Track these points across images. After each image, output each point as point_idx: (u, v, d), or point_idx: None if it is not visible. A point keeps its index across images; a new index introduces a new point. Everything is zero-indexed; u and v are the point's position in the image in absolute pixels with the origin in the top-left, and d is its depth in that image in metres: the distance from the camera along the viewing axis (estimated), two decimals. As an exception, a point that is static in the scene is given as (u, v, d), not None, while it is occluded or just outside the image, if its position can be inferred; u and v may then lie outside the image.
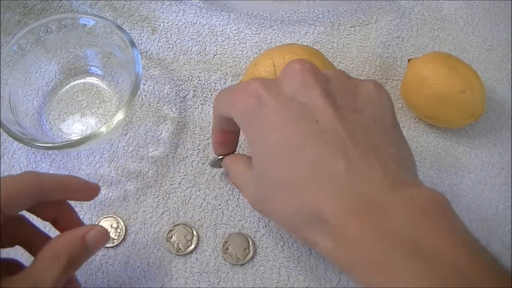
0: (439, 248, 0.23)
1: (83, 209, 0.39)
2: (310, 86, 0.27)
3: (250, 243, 0.38)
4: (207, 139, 0.41)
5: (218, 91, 0.36)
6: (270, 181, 0.28)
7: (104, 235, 0.30)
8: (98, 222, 0.38)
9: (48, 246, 0.27)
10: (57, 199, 0.30)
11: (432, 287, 0.22)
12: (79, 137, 0.37)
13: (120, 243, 0.38)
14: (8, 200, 0.26)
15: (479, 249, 0.24)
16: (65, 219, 0.31)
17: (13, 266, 0.30)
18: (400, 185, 0.25)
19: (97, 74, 0.44)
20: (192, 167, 0.40)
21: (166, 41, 0.45)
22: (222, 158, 0.36)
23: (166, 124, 0.42)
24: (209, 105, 0.43)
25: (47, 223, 0.31)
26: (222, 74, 0.44)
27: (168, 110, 0.43)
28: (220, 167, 0.37)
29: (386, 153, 0.27)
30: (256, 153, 0.29)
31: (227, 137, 0.35)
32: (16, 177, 0.28)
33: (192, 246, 0.38)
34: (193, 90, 0.43)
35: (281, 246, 0.38)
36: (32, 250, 0.31)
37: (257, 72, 0.36)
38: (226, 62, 0.45)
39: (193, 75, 0.44)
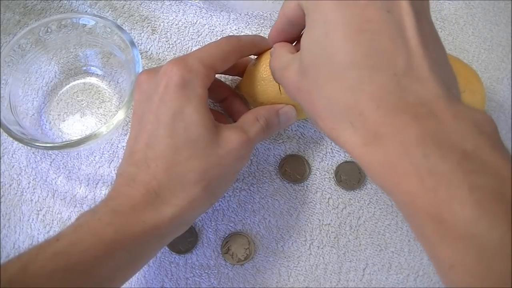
0: (491, 164, 0.21)
1: (82, 209, 0.39)
2: None
3: (250, 243, 0.38)
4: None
5: None
6: (318, 58, 0.26)
7: (293, 113, 0.35)
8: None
9: (252, 111, 0.35)
10: (251, 54, 0.36)
11: (483, 204, 0.20)
12: (79, 137, 0.37)
13: (120, 243, 0.38)
14: (223, 57, 0.33)
15: None
16: (231, 101, 0.39)
17: (221, 117, 0.39)
18: (454, 99, 0.24)
19: (97, 74, 0.44)
20: (192, 167, 0.40)
21: (166, 41, 0.45)
22: None
23: (166, 124, 0.42)
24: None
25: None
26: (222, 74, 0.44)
27: (168, 110, 0.43)
28: None
29: (447, 69, 0.26)
30: (311, 25, 0.27)
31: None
32: (222, 40, 0.34)
33: (193, 246, 0.38)
34: (193, 90, 0.43)
35: (281, 246, 0.38)
36: (228, 110, 0.40)
37: (256, 72, 0.36)
38: (226, 62, 0.45)
39: (193, 75, 0.44)
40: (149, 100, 0.32)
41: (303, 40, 0.27)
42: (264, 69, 0.36)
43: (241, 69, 0.39)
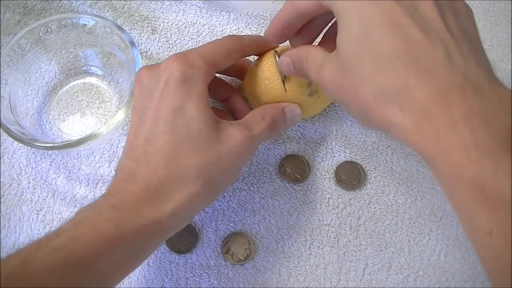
0: None
1: (83, 209, 0.39)
2: None
3: (250, 243, 0.38)
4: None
5: None
6: (360, 54, 0.27)
7: (298, 111, 0.36)
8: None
9: (257, 109, 0.35)
10: (253, 54, 0.37)
11: None
12: (79, 137, 0.37)
13: (120, 243, 0.38)
14: (225, 54, 0.33)
15: None
16: (233, 100, 0.39)
17: (226, 115, 0.39)
18: (495, 81, 0.26)
19: (97, 74, 0.44)
20: (192, 167, 0.40)
21: (166, 41, 0.45)
22: None
23: (166, 124, 0.42)
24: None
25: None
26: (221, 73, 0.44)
27: (168, 110, 0.43)
28: None
29: (481, 55, 0.28)
30: (348, 25, 0.28)
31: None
32: (224, 38, 0.34)
33: (193, 246, 0.38)
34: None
35: (281, 246, 0.38)
36: (231, 109, 0.39)
37: (258, 71, 0.36)
38: (226, 62, 0.45)
39: (193, 75, 0.44)
40: (149, 95, 0.32)
41: (340, 40, 0.28)
42: (267, 69, 0.36)
43: (239, 70, 0.39)
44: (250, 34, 0.46)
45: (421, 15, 0.27)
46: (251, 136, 0.32)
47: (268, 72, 0.36)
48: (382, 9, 0.27)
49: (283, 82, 0.35)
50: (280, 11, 0.34)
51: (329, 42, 0.34)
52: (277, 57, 0.35)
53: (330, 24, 0.35)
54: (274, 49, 0.36)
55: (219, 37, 0.45)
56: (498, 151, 0.23)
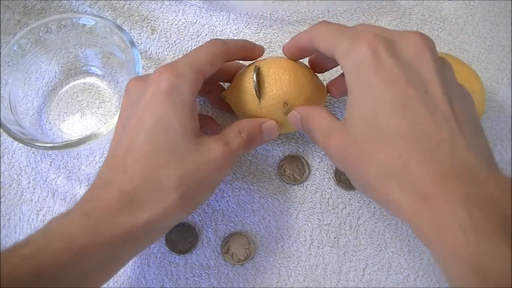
0: None
1: (83, 209, 0.39)
2: (426, 59, 0.29)
3: (250, 243, 0.38)
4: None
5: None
6: (368, 131, 0.28)
7: (275, 128, 0.36)
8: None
9: (235, 123, 0.35)
10: (238, 58, 0.37)
11: None
12: (79, 137, 0.37)
13: (120, 243, 0.38)
14: (211, 60, 0.33)
15: None
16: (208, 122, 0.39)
17: (210, 120, 0.40)
18: (494, 168, 0.27)
19: (97, 74, 0.44)
20: (192, 167, 0.40)
21: (166, 41, 0.45)
22: None
23: (166, 124, 0.42)
24: (208, 105, 0.43)
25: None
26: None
27: (168, 110, 0.43)
28: None
29: (481, 140, 0.29)
30: (359, 100, 0.29)
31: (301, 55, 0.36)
32: (207, 44, 0.34)
33: (193, 246, 0.38)
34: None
35: (281, 246, 0.38)
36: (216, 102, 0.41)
37: (240, 82, 0.36)
38: (226, 62, 0.45)
39: (193, 75, 0.44)
40: (135, 105, 0.32)
41: (350, 113, 0.30)
42: (247, 81, 0.36)
43: (231, 75, 0.38)
44: (249, 33, 0.46)
45: (430, 96, 0.28)
46: (229, 150, 0.32)
47: (246, 86, 0.36)
48: (393, 89, 0.28)
49: (259, 99, 0.35)
50: (301, 33, 0.34)
51: (338, 87, 0.37)
52: (254, 75, 0.35)
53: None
54: (255, 65, 0.36)
55: (219, 37, 0.46)
56: (495, 234, 0.23)
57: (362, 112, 0.29)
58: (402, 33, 0.30)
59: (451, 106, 0.28)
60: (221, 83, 0.41)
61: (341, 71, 0.35)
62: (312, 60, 0.38)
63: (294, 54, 0.36)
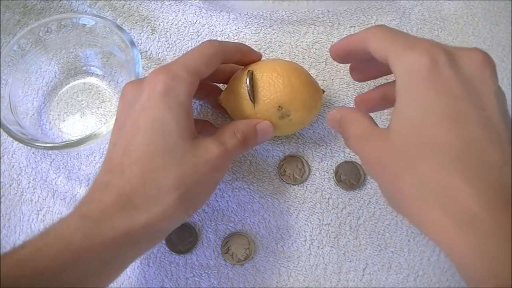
0: None
1: (83, 209, 0.39)
2: (487, 78, 0.28)
3: (250, 243, 0.38)
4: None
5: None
6: (414, 140, 0.27)
7: (270, 129, 0.36)
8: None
9: (229, 124, 0.34)
10: (234, 61, 0.37)
11: None
12: (79, 137, 0.37)
13: (120, 243, 0.38)
14: (207, 61, 0.33)
15: None
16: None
17: (208, 125, 0.40)
18: None
19: (97, 74, 0.44)
20: (192, 167, 0.40)
21: (166, 41, 0.45)
22: None
23: (166, 124, 0.42)
24: (207, 108, 0.43)
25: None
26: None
27: (168, 110, 0.43)
28: None
29: None
30: (407, 107, 0.28)
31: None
32: (203, 45, 0.34)
33: (193, 246, 0.38)
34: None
35: (281, 246, 0.38)
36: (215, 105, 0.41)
37: (234, 87, 0.36)
38: (226, 62, 0.45)
39: (193, 75, 0.44)
40: (131, 108, 0.31)
41: (395, 120, 0.28)
42: (241, 86, 0.36)
43: (227, 76, 0.38)
44: (249, 33, 0.46)
45: (487, 116, 0.26)
46: (225, 150, 0.32)
47: (240, 91, 0.36)
48: (448, 100, 0.26)
49: (253, 103, 0.35)
50: (354, 34, 0.33)
51: (380, 96, 0.35)
52: (248, 80, 0.35)
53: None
54: (248, 70, 0.36)
55: (218, 37, 0.46)
56: None
57: (409, 119, 0.27)
58: (463, 48, 0.29)
59: (505, 124, 0.26)
60: (218, 84, 0.41)
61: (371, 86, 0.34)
62: (353, 67, 0.37)
63: (340, 55, 0.35)
